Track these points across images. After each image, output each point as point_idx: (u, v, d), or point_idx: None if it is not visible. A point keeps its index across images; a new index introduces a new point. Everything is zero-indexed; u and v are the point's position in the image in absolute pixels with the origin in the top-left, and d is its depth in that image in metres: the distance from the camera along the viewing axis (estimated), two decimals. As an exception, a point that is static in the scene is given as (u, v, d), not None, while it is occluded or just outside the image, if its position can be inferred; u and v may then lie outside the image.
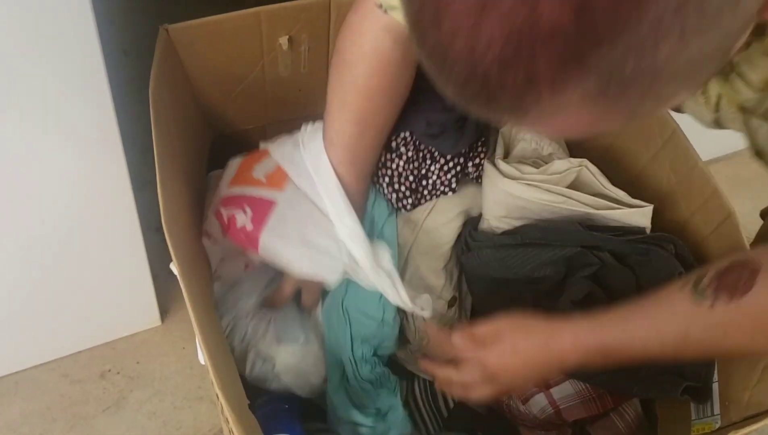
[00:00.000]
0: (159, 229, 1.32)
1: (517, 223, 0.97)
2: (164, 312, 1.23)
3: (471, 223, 1.03)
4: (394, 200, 1.01)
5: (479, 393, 0.83)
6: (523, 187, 0.94)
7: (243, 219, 0.90)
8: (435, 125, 0.96)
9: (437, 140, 0.98)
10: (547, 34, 0.34)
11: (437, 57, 0.38)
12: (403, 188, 1.00)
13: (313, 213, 0.92)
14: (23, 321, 1.09)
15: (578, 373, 0.94)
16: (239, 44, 0.96)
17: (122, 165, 0.93)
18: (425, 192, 1.01)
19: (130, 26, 1.26)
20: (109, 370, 1.20)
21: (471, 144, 1.01)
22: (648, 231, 0.95)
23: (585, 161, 0.96)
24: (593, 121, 0.39)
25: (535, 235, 0.94)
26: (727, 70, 0.60)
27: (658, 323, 0.72)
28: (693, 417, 0.84)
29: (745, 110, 0.63)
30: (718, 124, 0.68)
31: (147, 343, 1.23)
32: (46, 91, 0.80)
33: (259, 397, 1.00)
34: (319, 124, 0.94)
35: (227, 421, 0.72)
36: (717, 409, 0.82)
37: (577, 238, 0.92)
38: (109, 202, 0.98)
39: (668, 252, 0.91)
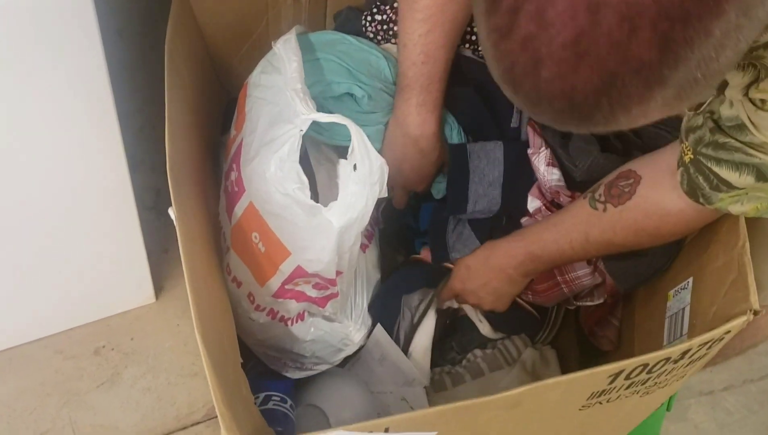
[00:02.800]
0: (153, 207, 1.33)
1: None
2: (159, 289, 1.24)
3: None
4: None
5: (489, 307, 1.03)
6: None
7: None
8: None
9: None
10: (636, 68, 0.42)
11: (533, 98, 0.46)
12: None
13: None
14: (17, 297, 1.10)
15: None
16: (248, -1, 0.97)
17: (118, 143, 0.94)
18: None
19: (125, 6, 1.26)
20: (104, 347, 1.21)
21: None
22: None
23: None
24: (666, 113, 0.47)
25: None
26: None
27: (566, 229, 0.90)
28: (665, 341, 0.88)
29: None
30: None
31: (141, 320, 1.24)
32: (42, 71, 0.80)
33: (251, 358, 1.03)
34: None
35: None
36: (686, 329, 0.84)
37: None
38: (104, 180, 0.99)
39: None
